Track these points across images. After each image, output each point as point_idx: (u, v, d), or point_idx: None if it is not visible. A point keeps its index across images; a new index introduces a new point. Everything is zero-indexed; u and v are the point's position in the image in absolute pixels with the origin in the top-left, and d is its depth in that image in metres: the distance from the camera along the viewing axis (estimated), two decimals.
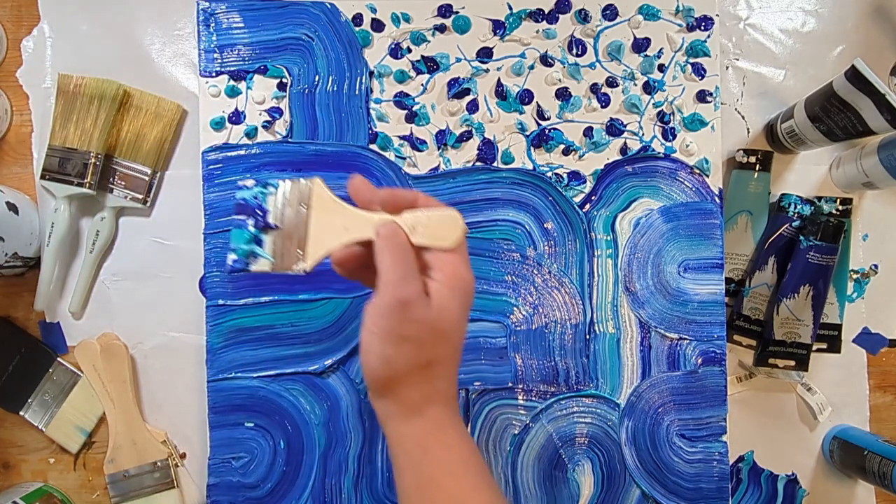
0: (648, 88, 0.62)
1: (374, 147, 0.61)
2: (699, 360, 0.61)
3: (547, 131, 0.61)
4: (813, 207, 0.63)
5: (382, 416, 0.40)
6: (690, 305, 0.61)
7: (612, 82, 0.62)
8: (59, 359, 0.62)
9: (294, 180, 0.45)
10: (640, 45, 0.61)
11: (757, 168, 0.63)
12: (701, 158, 0.61)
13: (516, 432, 0.61)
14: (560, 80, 0.62)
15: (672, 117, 0.62)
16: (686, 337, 0.61)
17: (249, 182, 0.46)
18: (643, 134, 0.62)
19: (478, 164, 0.61)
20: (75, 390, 0.62)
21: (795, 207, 0.63)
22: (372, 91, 0.61)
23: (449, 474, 0.38)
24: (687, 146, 0.61)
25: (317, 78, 0.60)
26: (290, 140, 0.60)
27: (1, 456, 0.62)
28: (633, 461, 0.61)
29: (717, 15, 0.61)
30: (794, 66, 0.65)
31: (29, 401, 0.61)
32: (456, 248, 0.41)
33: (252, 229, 0.45)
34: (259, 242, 0.45)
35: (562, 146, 0.61)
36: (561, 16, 0.62)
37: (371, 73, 0.61)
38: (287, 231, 0.45)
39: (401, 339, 0.37)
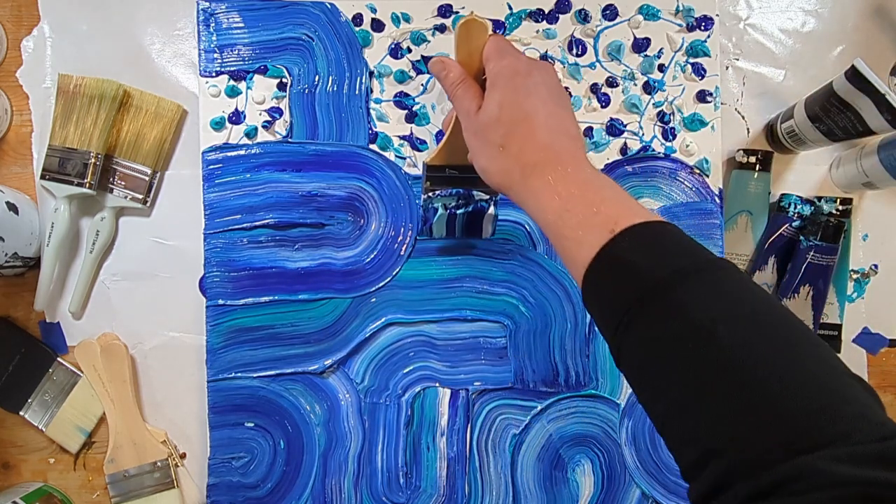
0: (648, 88, 0.62)
1: (374, 147, 0.61)
2: None
3: None
4: (813, 207, 0.63)
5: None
6: None
7: (612, 82, 0.62)
8: (59, 359, 0.62)
9: None
10: (640, 45, 0.61)
11: (757, 168, 0.63)
12: (701, 158, 0.61)
13: (516, 432, 0.61)
14: (560, 80, 0.62)
15: (672, 117, 0.62)
16: None
17: None
18: (643, 134, 0.62)
19: None
20: (75, 390, 0.62)
21: (795, 207, 0.63)
22: (372, 91, 0.61)
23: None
24: (687, 146, 0.61)
25: (317, 78, 0.60)
26: (290, 140, 0.60)
27: (1, 456, 0.62)
28: (633, 461, 0.61)
29: (717, 15, 0.61)
30: (794, 66, 0.65)
31: (29, 401, 0.61)
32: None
33: None
34: None
35: None
36: (561, 16, 0.61)
37: (371, 73, 0.61)
38: None
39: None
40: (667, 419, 0.35)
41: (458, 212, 0.56)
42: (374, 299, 0.60)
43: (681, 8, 0.61)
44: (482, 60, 0.47)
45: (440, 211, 0.56)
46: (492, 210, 0.57)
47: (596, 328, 0.61)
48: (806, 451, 0.28)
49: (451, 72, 0.47)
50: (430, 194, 0.56)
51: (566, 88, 0.61)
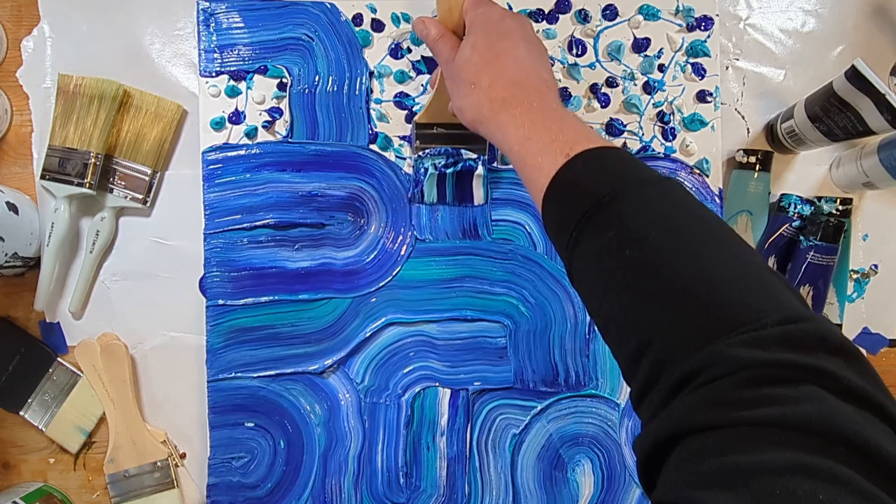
0: (648, 88, 0.62)
1: (374, 147, 0.61)
2: None
3: None
4: (813, 207, 0.63)
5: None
6: None
7: (611, 82, 0.62)
8: (59, 359, 0.62)
9: None
10: (640, 45, 0.61)
11: (757, 168, 0.63)
12: (701, 158, 0.61)
13: (516, 432, 0.61)
14: (560, 81, 0.62)
15: (672, 117, 0.62)
16: None
17: None
18: (643, 134, 0.62)
19: None
20: (75, 390, 0.62)
21: (795, 207, 0.63)
22: (372, 91, 0.61)
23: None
24: (687, 146, 0.61)
25: (317, 78, 0.60)
26: (290, 140, 0.60)
27: (1, 456, 0.62)
28: (633, 461, 0.61)
29: (717, 15, 0.61)
30: (794, 66, 0.65)
31: (29, 401, 0.61)
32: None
33: None
34: None
35: None
36: (561, 16, 0.61)
37: (371, 74, 0.61)
38: None
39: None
40: (608, 324, 0.37)
41: (448, 171, 0.58)
42: (374, 299, 0.60)
43: (681, 8, 0.61)
44: (461, 16, 0.50)
45: (430, 171, 0.57)
46: (480, 170, 0.58)
47: (596, 328, 0.61)
48: (718, 339, 0.29)
49: (431, 29, 0.51)
50: (421, 153, 0.58)
51: (566, 88, 0.61)
